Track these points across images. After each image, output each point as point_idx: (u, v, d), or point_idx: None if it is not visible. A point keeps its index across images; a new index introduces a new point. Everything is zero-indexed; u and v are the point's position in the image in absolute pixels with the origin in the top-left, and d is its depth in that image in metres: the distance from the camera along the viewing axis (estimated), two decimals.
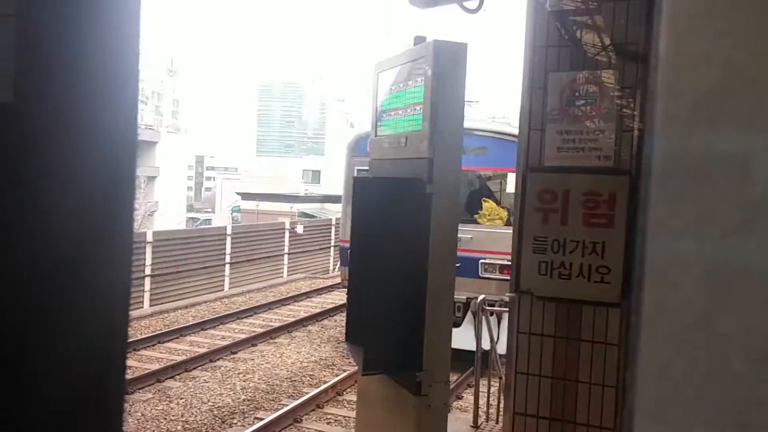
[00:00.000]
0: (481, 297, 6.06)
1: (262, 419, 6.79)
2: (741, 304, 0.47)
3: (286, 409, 7.02)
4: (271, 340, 10.42)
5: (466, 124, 2.97)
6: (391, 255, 2.85)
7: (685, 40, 0.50)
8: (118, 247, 0.44)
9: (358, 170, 9.14)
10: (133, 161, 0.46)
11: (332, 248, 19.64)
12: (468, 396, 7.56)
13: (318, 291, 15.06)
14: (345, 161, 9.96)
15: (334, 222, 20.19)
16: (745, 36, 0.48)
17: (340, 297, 13.56)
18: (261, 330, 10.90)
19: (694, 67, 0.50)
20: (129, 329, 0.46)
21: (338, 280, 12.82)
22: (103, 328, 0.42)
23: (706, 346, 0.48)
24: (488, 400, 6.31)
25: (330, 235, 19.81)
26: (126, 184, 0.45)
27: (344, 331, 3.25)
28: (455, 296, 3.07)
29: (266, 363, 9.14)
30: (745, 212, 0.47)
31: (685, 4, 0.51)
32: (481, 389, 6.20)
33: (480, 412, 6.21)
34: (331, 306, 12.93)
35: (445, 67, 2.68)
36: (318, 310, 12.66)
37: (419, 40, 2.83)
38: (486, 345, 5.96)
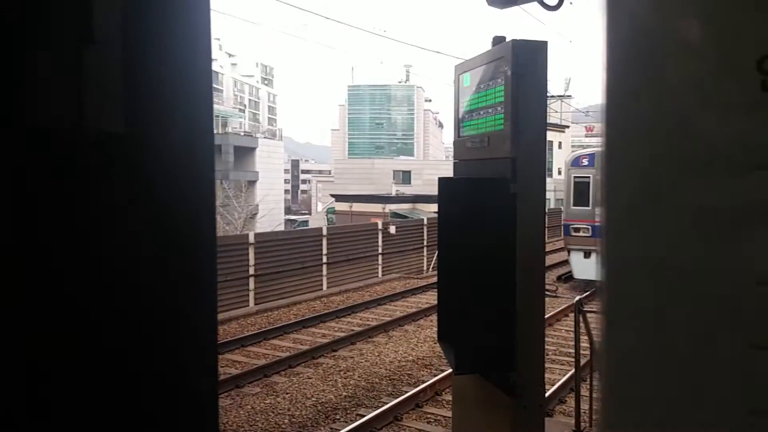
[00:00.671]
0: (577, 298, 5.91)
1: (363, 416, 6.98)
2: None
3: (386, 407, 7.17)
4: (370, 339, 10.66)
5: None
6: (479, 254, 2.87)
7: None
8: (202, 249, 0.50)
9: (574, 178, 14.28)
10: (212, 166, 0.52)
11: (425, 248, 19.70)
12: (572, 400, 7.35)
13: (413, 291, 15.19)
14: (564, 171, 15.60)
15: (426, 222, 20.26)
16: None
17: (435, 297, 13.62)
18: (359, 329, 11.18)
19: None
20: (217, 328, 0.52)
21: (432, 280, 15.32)
22: (191, 328, 0.49)
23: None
24: (590, 404, 6.11)
25: (423, 236, 19.88)
26: (206, 188, 0.51)
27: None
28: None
29: (365, 361, 9.38)
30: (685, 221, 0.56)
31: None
32: (584, 393, 6.01)
33: (584, 417, 6.02)
34: (426, 306, 13.01)
35: (524, 67, 2.66)
36: (413, 310, 12.78)
37: (498, 40, 2.83)
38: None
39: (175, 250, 0.48)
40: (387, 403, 7.32)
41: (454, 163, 3.43)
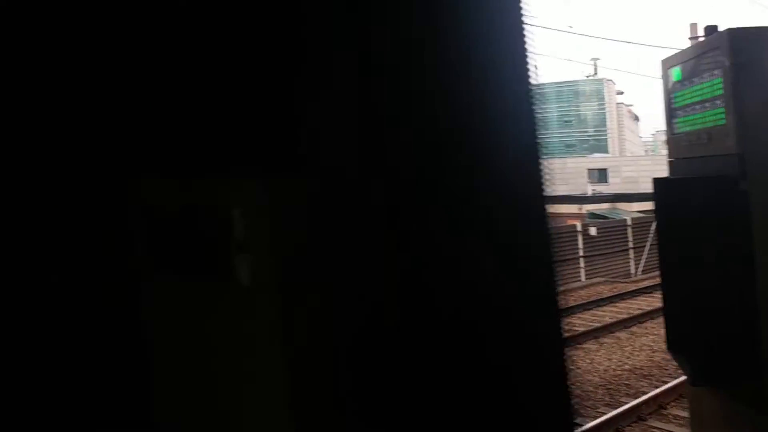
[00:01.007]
0: None
1: (580, 425, 6.78)
2: None
3: (605, 417, 6.88)
4: (578, 345, 10.26)
5: None
6: (709, 258, 2.70)
7: None
8: (545, 238, 0.66)
9: None
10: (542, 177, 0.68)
11: (631, 250, 18.32)
12: None
13: (621, 296, 14.26)
14: None
15: (629, 222, 18.85)
16: None
17: (647, 303, 12.65)
18: (566, 334, 10.82)
19: None
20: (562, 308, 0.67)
21: (644, 284, 14.90)
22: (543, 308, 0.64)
23: None
24: None
25: (626, 237, 18.51)
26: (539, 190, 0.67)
27: (657, 339, 3.16)
28: None
29: (577, 368, 9.05)
30: None
31: None
32: None
33: None
34: (638, 312, 12.12)
35: (746, 56, 2.47)
36: (624, 316, 11.99)
37: (710, 30, 2.66)
38: None
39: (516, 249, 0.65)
40: (605, 414, 7.01)
41: (669, 161, 3.26)
